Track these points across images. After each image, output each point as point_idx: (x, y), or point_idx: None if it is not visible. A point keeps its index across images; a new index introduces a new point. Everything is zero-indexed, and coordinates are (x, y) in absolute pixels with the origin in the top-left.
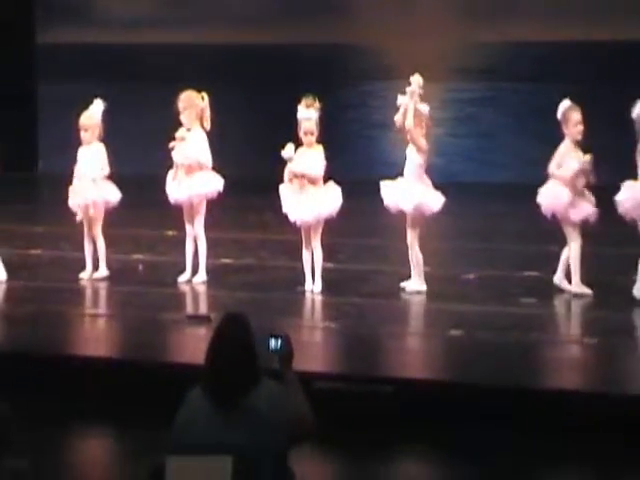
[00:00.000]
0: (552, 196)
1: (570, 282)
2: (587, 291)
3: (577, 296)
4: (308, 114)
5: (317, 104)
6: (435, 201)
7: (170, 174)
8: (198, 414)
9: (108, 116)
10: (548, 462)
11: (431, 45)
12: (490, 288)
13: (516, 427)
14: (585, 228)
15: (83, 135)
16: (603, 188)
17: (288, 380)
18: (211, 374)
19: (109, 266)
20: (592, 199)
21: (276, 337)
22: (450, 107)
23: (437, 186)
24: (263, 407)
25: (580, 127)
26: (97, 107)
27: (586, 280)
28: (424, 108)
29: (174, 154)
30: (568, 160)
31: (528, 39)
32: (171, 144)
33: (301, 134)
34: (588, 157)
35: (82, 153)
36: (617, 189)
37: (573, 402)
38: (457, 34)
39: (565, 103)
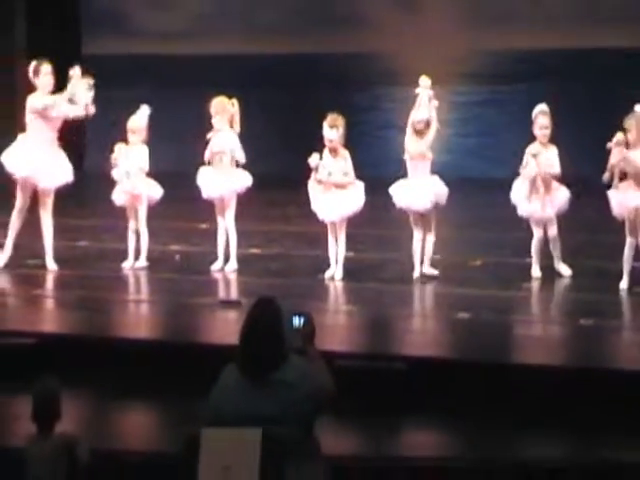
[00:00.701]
0: (517, 194)
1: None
2: (538, 274)
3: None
4: (331, 134)
5: (340, 121)
6: (417, 202)
7: (202, 170)
8: (232, 388)
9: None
10: (538, 429)
11: (439, 52)
12: (495, 273)
13: (513, 399)
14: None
15: (130, 137)
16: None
17: (311, 354)
18: (244, 351)
19: (148, 255)
20: (552, 198)
21: (299, 315)
22: (458, 109)
23: (446, 181)
24: (292, 380)
25: (545, 131)
26: (143, 112)
27: (582, 265)
28: (415, 114)
29: (212, 144)
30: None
31: (529, 46)
32: (208, 135)
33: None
34: (531, 155)
35: (125, 152)
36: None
37: (571, 376)
38: (464, 41)
39: (537, 107)
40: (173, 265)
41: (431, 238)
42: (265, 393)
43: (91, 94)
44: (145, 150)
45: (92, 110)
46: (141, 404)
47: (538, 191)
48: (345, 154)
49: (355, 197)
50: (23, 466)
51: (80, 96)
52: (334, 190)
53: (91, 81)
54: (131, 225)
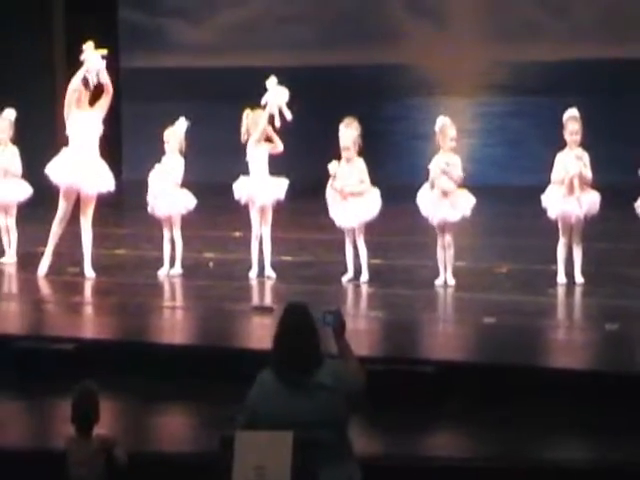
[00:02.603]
0: (548, 198)
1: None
2: (563, 280)
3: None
4: (344, 133)
5: (355, 124)
6: (434, 214)
7: (241, 179)
8: (269, 393)
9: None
10: (564, 431)
11: (466, 64)
12: (520, 280)
13: (539, 402)
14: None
15: (165, 146)
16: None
17: (342, 346)
18: (279, 356)
19: (183, 263)
20: (583, 199)
21: (329, 313)
22: (482, 119)
23: (470, 189)
24: (327, 383)
25: (576, 137)
26: (180, 124)
27: (606, 272)
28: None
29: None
30: (561, 166)
31: (549, 58)
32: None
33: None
34: (576, 156)
35: (163, 162)
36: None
37: (593, 380)
38: (489, 54)
39: (568, 112)
40: (207, 272)
41: (451, 248)
42: (301, 397)
43: (103, 63)
44: (180, 162)
45: (107, 79)
46: (177, 407)
47: (573, 192)
48: (360, 162)
49: (371, 203)
50: (63, 467)
51: (93, 65)
52: (350, 198)
53: (104, 52)
54: (166, 234)
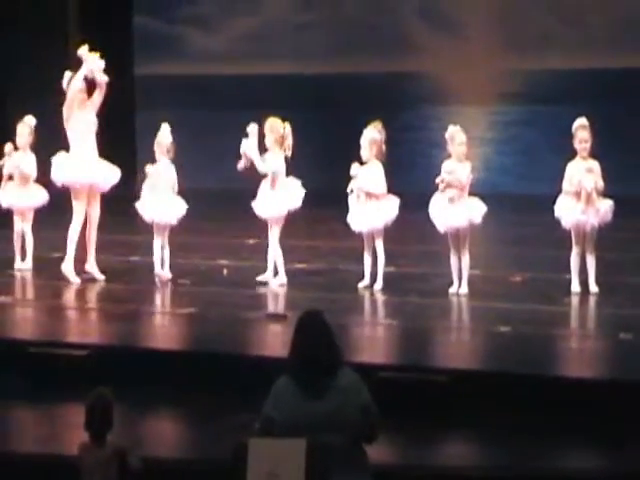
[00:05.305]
0: (561, 208)
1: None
2: (577, 289)
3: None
4: (366, 132)
5: (379, 127)
6: (442, 221)
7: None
8: (286, 398)
9: (195, 139)
10: (578, 440)
11: (479, 73)
12: (535, 289)
13: (553, 411)
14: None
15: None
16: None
17: None
18: (295, 362)
19: (197, 269)
20: (599, 209)
21: None
22: (494, 128)
23: (483, 197)
24: (345, 385)
25: (584, 145)
26: (163, 131)
27: (621, 282)
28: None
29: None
30: (574, 174)
31: (563, 67)
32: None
33: None
34: (586, 169)
35: (152, 170)
36: None
37: (608, 389)
38: (501, 63)
39: (577, 121)
40: (221, 279)
41: (465, 257)
42: (316, 400)
43: (102, 63)
44: (170, 168)
45: (105, 77)
46: (190, 415)
47: (591, 205)
48: (375, 165)
49: (387, 210)
50: (77, 474)
51: (92, 64)
52: (368, 202)
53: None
54: (157, 240)
